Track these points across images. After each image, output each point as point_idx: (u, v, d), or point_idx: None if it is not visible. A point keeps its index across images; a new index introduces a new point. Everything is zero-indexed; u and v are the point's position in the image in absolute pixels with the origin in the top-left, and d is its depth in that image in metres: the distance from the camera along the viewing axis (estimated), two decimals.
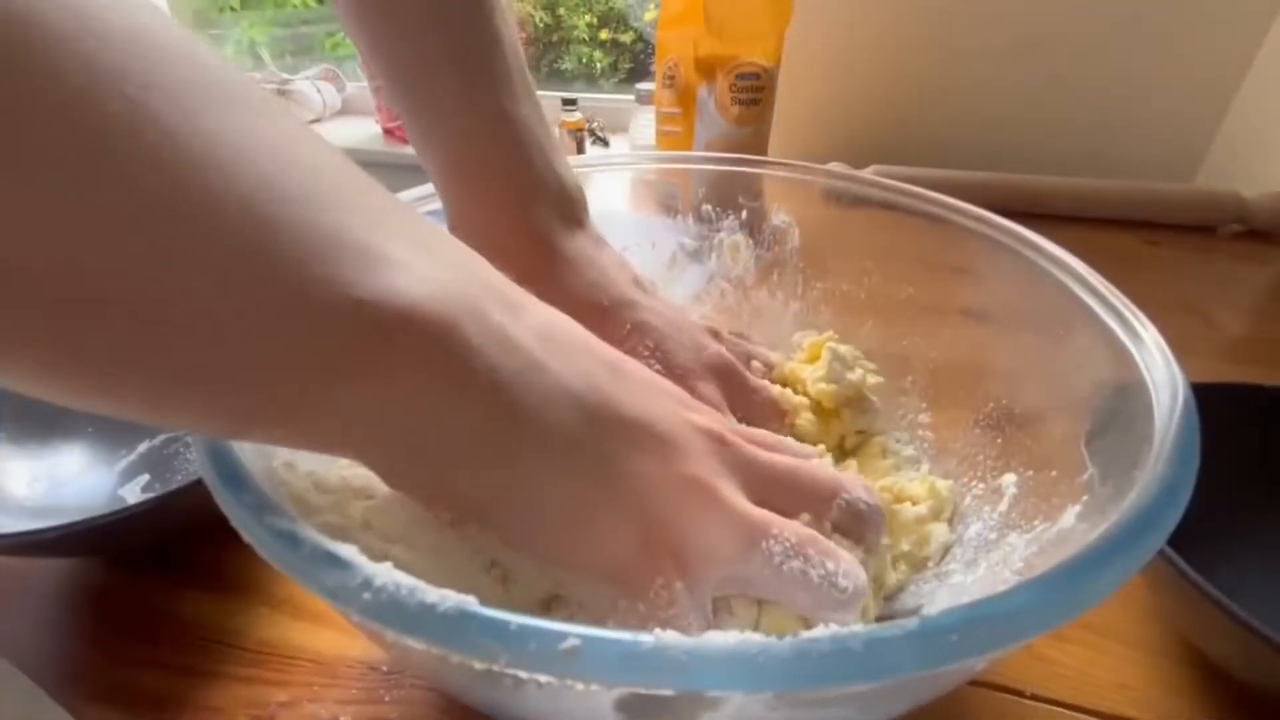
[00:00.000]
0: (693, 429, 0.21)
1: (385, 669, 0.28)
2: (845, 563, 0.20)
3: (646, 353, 0.30)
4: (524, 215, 0.29)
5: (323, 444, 0.17)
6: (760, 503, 0.21)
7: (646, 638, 0.11)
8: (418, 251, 0.17)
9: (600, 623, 0.18)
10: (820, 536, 0.21)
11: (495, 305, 0.18)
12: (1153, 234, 0.67)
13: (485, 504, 0.19)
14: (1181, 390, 0.18)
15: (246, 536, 0.16)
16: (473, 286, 0.18)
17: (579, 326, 0.22)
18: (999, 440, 0.28)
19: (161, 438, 0.39)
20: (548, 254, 0.29)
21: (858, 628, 0.11)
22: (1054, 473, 0.23)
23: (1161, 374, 0.19)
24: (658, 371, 0.29)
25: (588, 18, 1.32)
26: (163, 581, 0.32)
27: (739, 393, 0.31)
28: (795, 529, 0.20)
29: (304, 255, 0.14)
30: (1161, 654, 0.28)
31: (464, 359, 0.17)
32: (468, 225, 0.30)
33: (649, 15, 1.27)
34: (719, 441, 0.22)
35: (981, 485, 0.28)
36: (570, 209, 0.31)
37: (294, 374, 0.15)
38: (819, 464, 0.24)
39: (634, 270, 0.32)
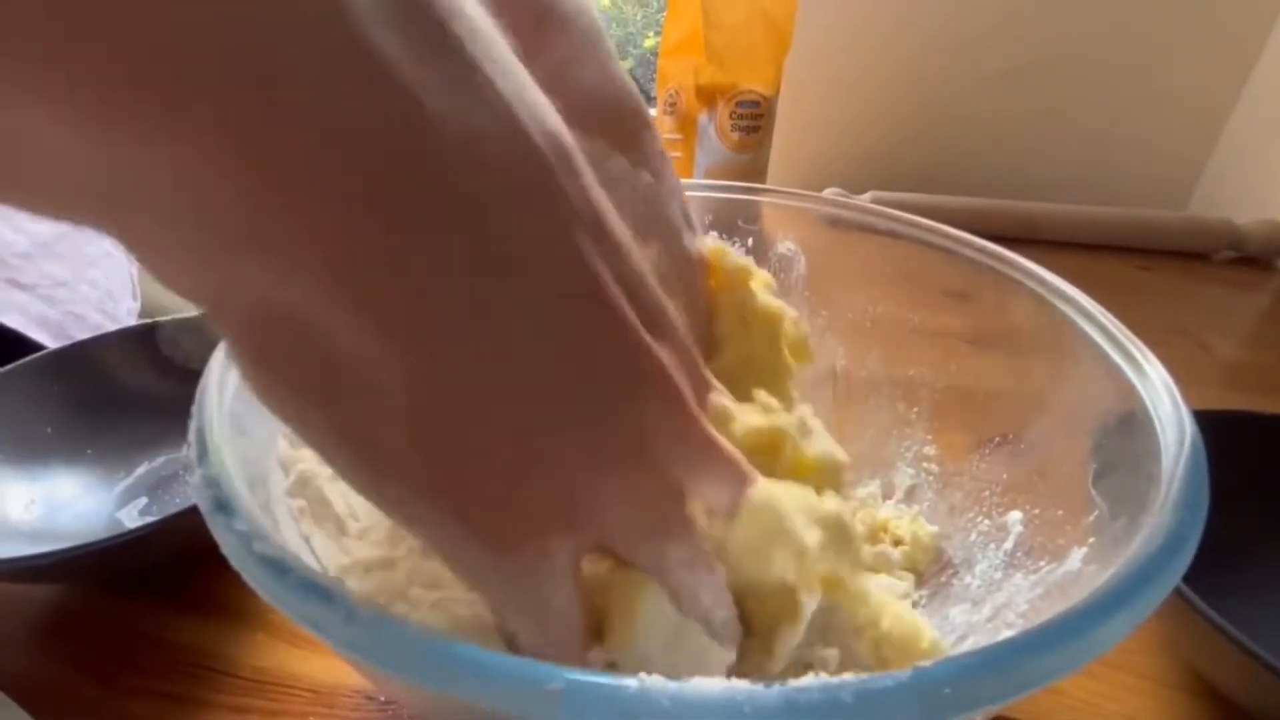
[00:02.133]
0: (657, 370, 0.16)
1: (382, 699, 0.28)
2: (718, 581, 0.17)
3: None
4: None
5: (51, 199, 0.11)
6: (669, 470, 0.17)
7: (631, 682, 0.11)
8: None
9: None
10: (714, 563, 0.17)
11: None
12: (1146, 260, 0.68)
13: (320, 338, 0.12)
14: (1189, 431, 0.18)
15: (234, 563, 0.15)
16: None
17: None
18: (1005, 476, 0.28)
19: (160, 460, 0.39)
20: None
21: (849, 677, 0.11)
22: (1060, 511, 0.23)
23: (1168, 412, 0.19)
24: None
25: None
26: (157, 607, 0.32)
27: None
28: (696, 543, 0.17)
29: None
30: (1172, 685, 0.28)
31: (351, 41, 0.10)
32: None
33: (649, 42, 1.29)
34: (679, 404, 0.17)
35: (987, 522, 0.27)
36: None
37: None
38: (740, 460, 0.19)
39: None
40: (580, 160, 0.15)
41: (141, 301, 0.61)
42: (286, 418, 0.14)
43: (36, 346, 0.41)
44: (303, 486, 0.21)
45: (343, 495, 0.22)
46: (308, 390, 0.13)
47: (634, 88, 0.23)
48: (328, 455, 0.14)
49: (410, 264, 0.12)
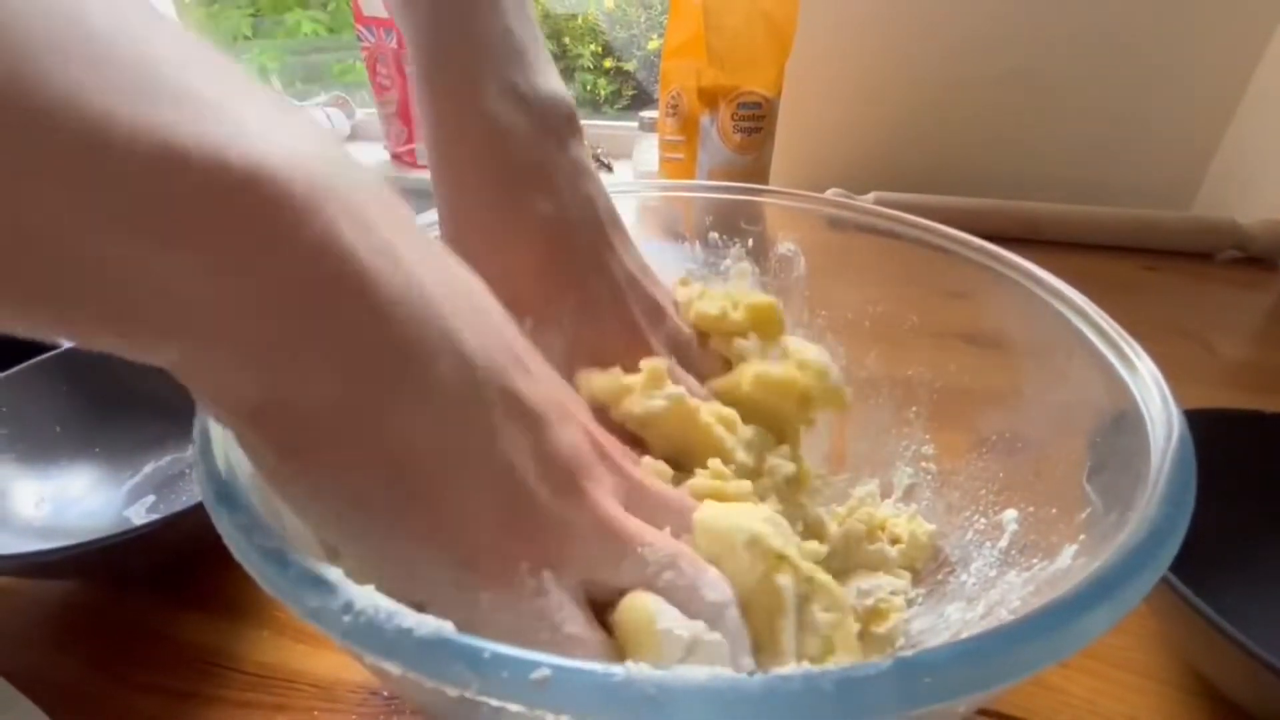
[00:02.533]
0: (580, 429, 0.20)
1: (385, 694, 0.28)
2: (712, 574, 0.20)
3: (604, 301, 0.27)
4: (480, 100, 0.25)
5: (131, 329, 0.13)
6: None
7: (618, 669, 0.11)
8: (279, 123, 0.14)
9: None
10: (688, 550, 0.20)
11: (372, 200, 0.15)
12: (1150, 260, 0.68)
13: (323, 437, 0.15)
14: (1176, 428, 0.18)
15: (236, 554, 0.16)
16: (348, 172, 0.15)
17: (478, 282, 0.19)
18: (1001, 474, 0.28)
19: (167, 459, 0.40)
20: (502, 146, 0.25)
21: (831, 666, 0.11)
22: (1054, 509, 0.23)
23: (1158, 409, 0.19)
24: (609, 320, 0.28)
25: (593, 46, 1.36)
26: (164, 604, 0.32)
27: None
28: (667, 542, 0.20)
29: (124, 92, 0.12)
30: (1171, 684, 0.28)
31: (328, 241, 0.14)
32: (424, 113, 0.26)
33: (652, 44, 1.30)
34: (600, 450, 0.20)
35: (983, 520, 0.27)
36: (547, 115, 0.26)
37: (97, 231, 0.12)
38: (685, 493, 0.23)
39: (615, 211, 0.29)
40: (526, 355, 0.19)
41: None
42: (305, 504, 0.17)
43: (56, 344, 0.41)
44: None
45: None
46: (320, 471, 0.16)
47: (581, 217, 0.27)
48: (338, 529, 0.17)
49: (407, 426, 0.16)
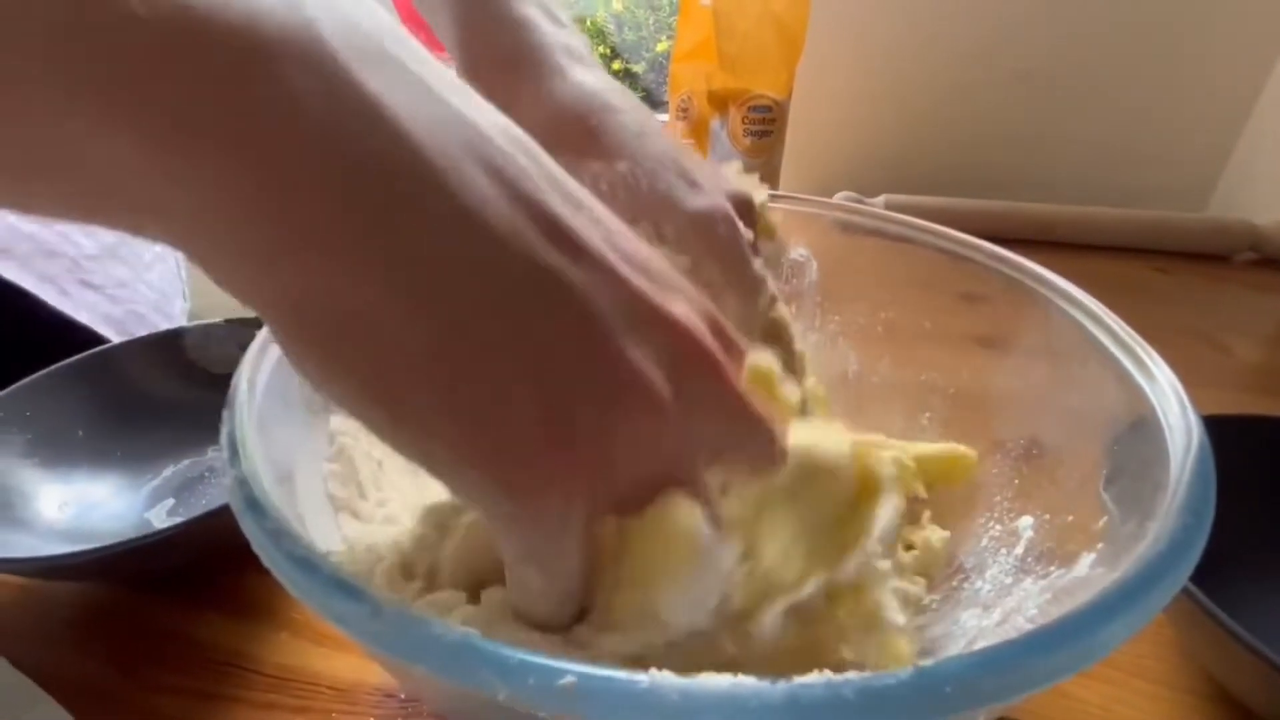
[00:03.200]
0: (666, 318, 0.17)
1: (403, 696, 0.28)
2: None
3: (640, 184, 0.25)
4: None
5: (114, 205, 0.13)
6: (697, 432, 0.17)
7: (641, 677, 0.11)
8: None
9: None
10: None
11: (397, 42, 0.14)
12: (1164, 262, 0.67)
13: (350, 313, 0.14)
14: (1196, 436, 0.18)
15: (265, 560, 0.16)
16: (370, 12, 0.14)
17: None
18: (1016, 481, 0.28)
19: (186, 462, 0.40)
20: (529, 39, 0.26)
21: (852, 675, 0.11)
22: (1070, 517, 0.23)
23: (1176, 417, 0.19)
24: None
25: (601, 49, 1.36)
26: (185, 605, 0.33)
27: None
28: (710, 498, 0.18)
29: None
30: (1187, 691, 0.28)
31: (345, 82, 0.13)
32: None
33: (661, 46, 1.30)
34: (696, 353, 0.17)
35: (999, 527, 0.27)
36: (573, 31, 0.27)
37: (79, 87, 0.11)
38: (776, 424, 0.19)
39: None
40: (537, 154, 0.16)
41: (190, 303, 0.65)
42: (328, 389, 0.15)
43: (81, 344, 0.42)
44: (339, 454, 0.23)
45: (367, 453, 0.25)
46: (344, 360, 0.15)
47: (595, 88, 0.26)
48: (366, 418, 0.16)
49: (421, 251, 0.14)
